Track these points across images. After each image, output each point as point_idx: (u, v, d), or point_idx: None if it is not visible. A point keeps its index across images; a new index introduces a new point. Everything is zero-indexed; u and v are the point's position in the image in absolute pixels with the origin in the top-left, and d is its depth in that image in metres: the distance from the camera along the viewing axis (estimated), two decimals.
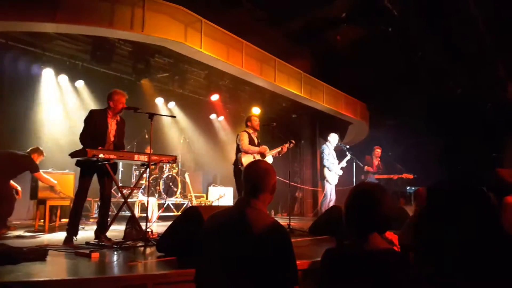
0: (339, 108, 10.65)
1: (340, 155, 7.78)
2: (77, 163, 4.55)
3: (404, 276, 1.68)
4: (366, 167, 8.16)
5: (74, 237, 4.46)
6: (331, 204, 7.32)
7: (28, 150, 6.01)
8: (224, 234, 1.93)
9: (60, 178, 6.21)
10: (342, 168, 7.68)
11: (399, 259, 1.76)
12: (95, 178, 4.67)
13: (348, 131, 12.15)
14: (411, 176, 8.27)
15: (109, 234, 4.59)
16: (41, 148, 6.18)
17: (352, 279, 1.67)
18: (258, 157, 5.84)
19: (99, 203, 5.16)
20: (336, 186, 7.66)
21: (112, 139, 4.74)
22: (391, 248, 1.86)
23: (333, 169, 7.46)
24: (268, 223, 1.89)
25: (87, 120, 4.66)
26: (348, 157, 7.65)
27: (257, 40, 7.99)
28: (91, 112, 4.77)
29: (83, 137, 4.55)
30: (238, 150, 5.91)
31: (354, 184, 7.64)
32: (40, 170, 5.88)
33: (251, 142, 5.94)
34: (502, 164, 9.85)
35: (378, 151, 8.43)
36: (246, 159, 5.74)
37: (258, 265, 1.79)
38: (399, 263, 1.72)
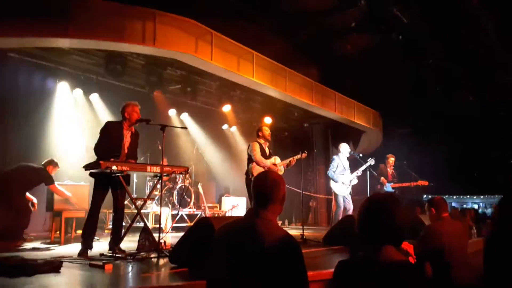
0: (351, 117, 10.60)
1: (356, 164, 7.69)
2: (91, 175, 4.60)
3: None
4: (381, 179, 8.04)
5: (89, 250, 4.49)
6: (349, 213, 7.22)
7: (43, 163, 6.12)
8: (234, 245, 1.92)
9: (75, 190, 6.27)
10: (357, 178, 7.57)
11: (414, 271, 1.72)
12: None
13: (361, 140, 12.06)
14: (426, 183, 8.13)
15: (123, 245, 4.61)
16: (55, 160, 6.28)
17: None
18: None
19: (113, 215, 5.20)
20: (352, 195, 7.56)
21: (126, 151, 4.77)
22: (406, 259, 1.83)
23: (340, 180, 7.37)
24: (278, 234, 1.88)
25: (102, 131, 4.72)
26: (365, 166, 7.56)
27: (267, 50, 8.04)
28: (107, 124, 4.84)
29: (98, 148, 4.61)
30: (250, 161, 5.90)
31: (369, 194, 7.57)
32: (56, 183, 5.97)
33: (263, 152, 5.93)
34: None
35: (392, 159, 8.32)
36: (257, 170, 5.73)
37: (268, 277, 1.77)
38: (413, 276, 1.69)
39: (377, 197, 1.91)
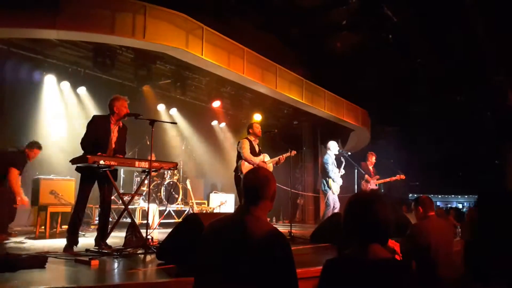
0: (341, 115, 10.65)
1: (338, 163, 7.73)
2: (78, 169, 4.53)
3: (406, 285, 1.66)
4: (366, 176, 8.14)
5: (74, 245, 4.43)
6: (336, 211, 7.26)
7: (25, 144, 5.96)
8: (223, 242, 1.91)
9: (62, 184, 6.19)
10: (342, 176, 7.63)
11: (401, 269, 1.74)
12: (95, 184, 4.65)
13: (349, 138, 12.13)
14: (403, 177, 8.28)
15: (109, 241, 4.56)
16: (39, 142, 6.10)
17: None
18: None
19: (99, 210, 5.14)
20: (341, 194, 7.61)
21: (113, 145, 4.71)
22: (392, 257, 1.84)
23: (337, 179, 7.42)
24: (268, 231, 1.88)
25: (89, 126, 4.64)
26: (344, 163, 7.60)
27: (258, 47, 8.02)
28: (94, 118, 4.76)
29: (85, 142, 4.54)
30: (239, 157, 5.90)
31: (356, 192, 7.62)
32: (41, 176, 5.84)
33: (252, 150, 5.93)
34: (504, 171, 9.82)
35: (373, 158, 8.43)
36: (246, 167, 5.73)
37: (257, 274, 1.77)
38: (401, 273, 1.70)
39: (360, 195, 1.92)
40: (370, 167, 8.35)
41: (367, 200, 1.79)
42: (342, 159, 7.64)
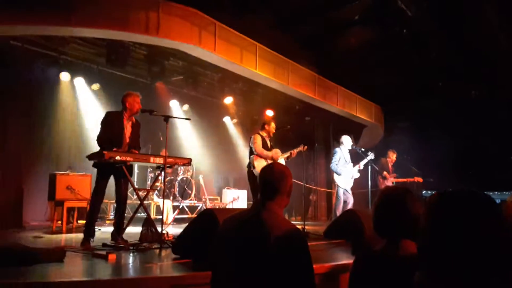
0: (353, 111, 10.57)
1: (357, 158, 7.69)
2: (94, 165, 4.59)
3: None
4: (384, 173, 8.08)
5: (91, 239, 4.50)
6: (349, 207, 7.24)
7: None
8: (239, 237, 1.91)
9: (77, 180, 6.28)
10: (359, 171, 7.59)
11: None
12: (111, 180, 4.71)
13: (362, 134, 12.04)
14: (421, 180, 8.24)
15: (125, 235, 4.62)
16: None
17: (386, 285, 1.63)
18: (270, 160, 5.83)
19: (115, 205, 5.21)
20: (352, 189, 7.57)
21: (127, 141, 4.75)
22: None
23: (343, 173, 7.37)
24: (284, 227, 1.87)
25: (103, 122, 4.70)
26: (366, 160, 7.56)
27: (270, 43, 7.99)
28: (108, 114, 4.81)
29: (100, 139, 4.59)
30: (251, 153, 5.91)
31: (370, 188, 7.57)
32: (57, 172, 5.92)
33: (264, 145, 5.95)
34: None
35: (394, 155, 8.36)
36: (258, 162, 5.75)
37: (273, 270, 1.77)
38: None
39: (391, 190, 1.89)
40: (390, 165, 8.30)
41: (398, 195, 1.77)
42: (365, 156, 7.60)
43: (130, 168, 4.77)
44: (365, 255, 1.80)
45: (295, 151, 6.22)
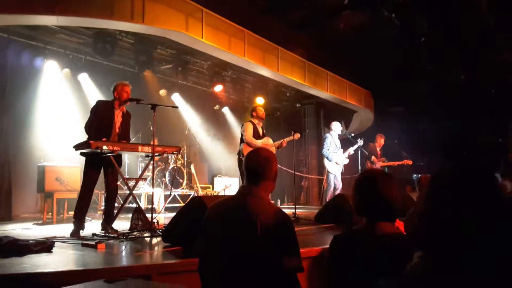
0: (344, 96, 10.58)
1: (346, 144, 7.73)
2: (82, 154, 4.56)
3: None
4: (372, 157, 8.13)
5: (81, 230, 4.48)
6: (337, 192, 7.30)
7: None
8: (226, 223, 1.93)
9: (66, 171, 6.24)
10: (348, 157, 7.63)
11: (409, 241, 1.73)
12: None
13: (353, 120, 12.08)
14: (410, 162, 8.29)
15: (115, 225, 4.61)
16: None
17: (362, 264, 1.65)
18: None
19: (105, 195, 5.19)
20: (342, 174, 7.63)
21: (117, 130, 4.73)
22: (401, 232, 1.84)
23: (334, 159, 7.41)
24: (270, 211, 1.89)
25: (93, 110, 4.67)
26: (356, 146, 7.60)
27: (259, 29, 7.92)
28: (98, 103, 4.78)
29: (88, 127, 4.56)
30: (242, 140, 5.90)
31: (360, 173, 7.63)
32: (46, 163, 5.87)
33: (256, 133, 5.92)
34: (507, 149, 9.76)
35: (382, 140, 8.40)
36: (248, 150, 5.73)
37: (260, 253, 1.78)
38: (409, 245, 1.69)
39: (366, 173, 1.93)
40: (378, 149, 8.34)
41: (372, 177, 1.79)
42: (355, 141, 7.63)
43: (119, 158, 4.74)
44: (341, 235, 1.82)
45: (286, 140, 6.17)
